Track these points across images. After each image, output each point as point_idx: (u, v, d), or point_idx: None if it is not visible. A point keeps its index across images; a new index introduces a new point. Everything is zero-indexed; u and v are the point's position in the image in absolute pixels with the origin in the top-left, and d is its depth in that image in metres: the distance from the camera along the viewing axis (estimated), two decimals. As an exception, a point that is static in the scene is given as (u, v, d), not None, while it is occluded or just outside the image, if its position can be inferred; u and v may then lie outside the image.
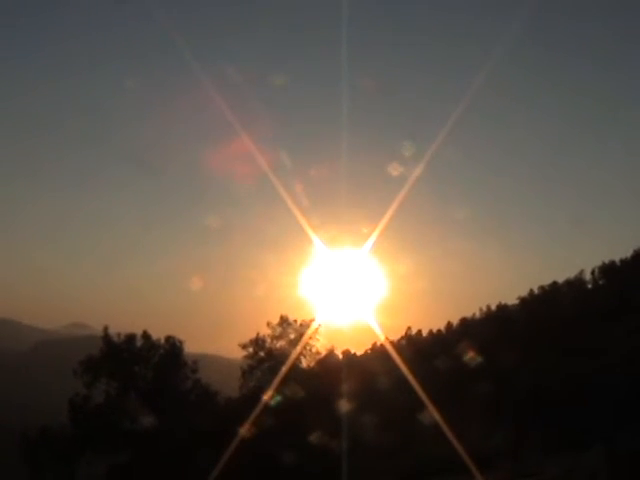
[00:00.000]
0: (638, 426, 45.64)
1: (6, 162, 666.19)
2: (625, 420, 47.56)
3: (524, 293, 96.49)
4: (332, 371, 58.66)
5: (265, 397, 50.68)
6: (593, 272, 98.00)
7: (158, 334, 60.09)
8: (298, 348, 58.26)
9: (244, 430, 47.71)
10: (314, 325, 58.77)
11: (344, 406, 52.06)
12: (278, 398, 51.09)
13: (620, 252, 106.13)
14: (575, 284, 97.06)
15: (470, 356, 59.39)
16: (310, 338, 58.85)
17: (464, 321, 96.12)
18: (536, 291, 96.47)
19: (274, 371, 56.89)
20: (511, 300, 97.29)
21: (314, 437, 49.79)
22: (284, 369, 54.66)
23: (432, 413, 44.73)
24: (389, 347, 57.59)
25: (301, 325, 59.59)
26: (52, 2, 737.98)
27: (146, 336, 59.01)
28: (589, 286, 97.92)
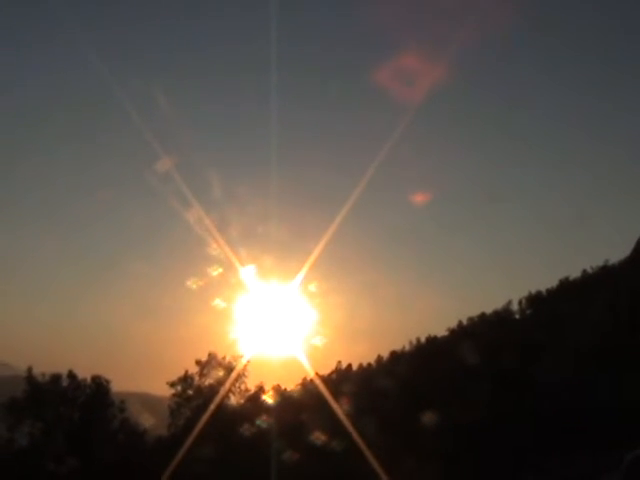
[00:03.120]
0: (565, 457, 46.31)
1: None
2: (553, 450, 48.23)
3: (453, 324, 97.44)
4: (261, 408, 58.42)
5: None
6: (520, 302, 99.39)
7: (84, 373, 59.25)
8: (227, 385, 57.92)
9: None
10: (242, 361, 58.52)
11: (276, 443, 51.88)
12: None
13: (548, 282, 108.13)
14: (502, 315, 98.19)
15: (397, 392, 59.80)
16: (238, 375, 58.55)
17: (394, 354, 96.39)
18: (465, 322, 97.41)
19: (203, 409, 56.41)
20: (441, 332, 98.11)
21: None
22: (212, 407, 54.21)
23: (362, 449, 44.65)
24: (318, 382, 57.48)
25: (229, 362, 59.26)
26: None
27: (72, 376, 58.10)
28: (517, 316, 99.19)
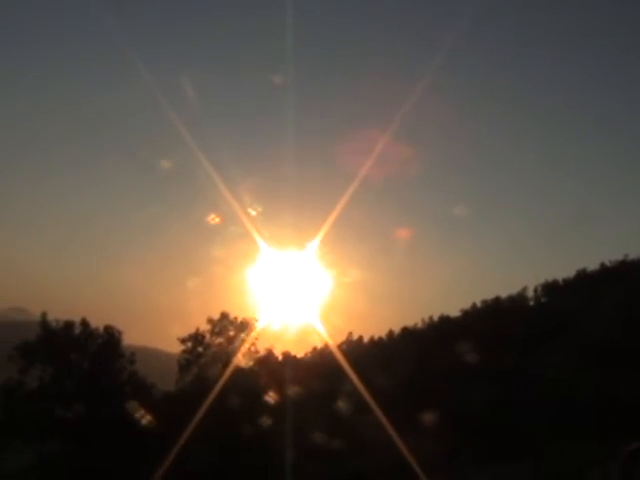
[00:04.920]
0: (567, 442, 46.40)
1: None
2: (555, 436, 48.34)
3: (467, 306, 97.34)
4: (270, 371, 58.65)
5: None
6: (536, 289, 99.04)
7: (97, 323, 59.67)
8: (238, 346, 58.22)
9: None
10: (255, 324, 58.78)
11: (284, 407, 52.19)
12: None
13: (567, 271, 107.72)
14: (517, 300, 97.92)
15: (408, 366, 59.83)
16: (249, 337, 58.79)
17: (405, 330, 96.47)
18: (479, 305, 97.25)
19: (211, 367, 56.86)
20: (454, 312, 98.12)
21: (252, 438, 49.99)
22: (221, 366, 54.64)
23: (371, 419, 44.96)
24: (334, 350, 57.62)
25: (241, 323, 59.52)
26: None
27: (85, 324, 58.45)
28: (531, 303, 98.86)
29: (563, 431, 49.18)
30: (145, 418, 54.41)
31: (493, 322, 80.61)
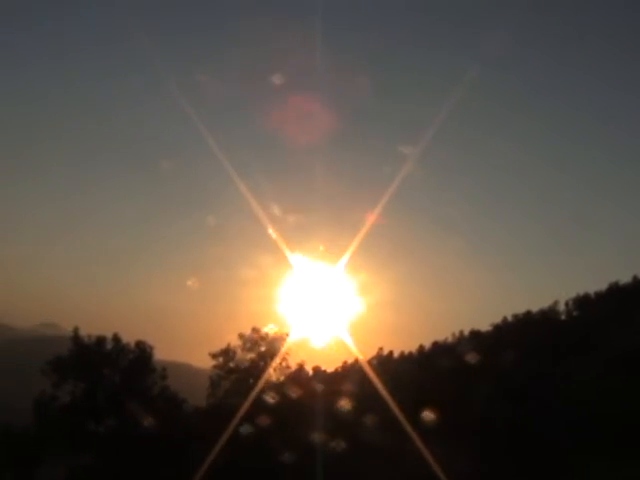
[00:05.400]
0: (597, 457, 46.08)
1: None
2: (587, 451, 48.00)
3: (498, 320, 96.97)
4: (302, 387, 58.56)
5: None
6: (567, 303, 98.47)
7: (128, 338, 59.91)
8: (269, 361, 58.22)
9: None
10: (286, 339, 58.74)
11: (316, 423, 52.15)
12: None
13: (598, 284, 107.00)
14: (549, 314, 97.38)
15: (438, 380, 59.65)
16: (280, 352, 58.73)
17: (436, 345, 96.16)
18: (509, 319, 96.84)
19: (242, 383, 56.88)
20: (484, 326, 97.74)
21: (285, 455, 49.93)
22: (252, 381, 54.70)
23: (401, 434, 44.87)
24: (365, 366, 57.56)
25: (273, 338, 59.51)
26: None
27: (116, 339, 58.74)
28: (562, 317, 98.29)
29: (594, 446, 48.85)
30: (176, 433, 54.68)
31: (524, 336, 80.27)
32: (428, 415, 51.95)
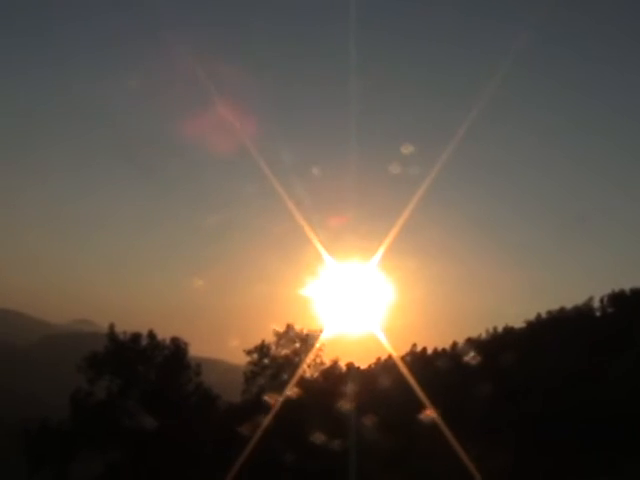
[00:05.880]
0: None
1: (10, 157, 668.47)
2: (625, 452, 47.67)
3: (532, 316, 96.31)
4: (336, 383, 58.62)
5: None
6: (602, 300, 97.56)
7: (163, 335, 60.21)
8: (303, 357, 58.36)
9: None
10: (320, 335, 58.82)
11: (348, 419, 52.21)
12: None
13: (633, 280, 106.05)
14: (583, 311, 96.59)
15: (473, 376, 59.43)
16: (315, 348, 58.82)
17: (469, 341, 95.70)
18: (543, 315, 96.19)
19: (277, 379, 57.08)
20: (518, 323, 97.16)
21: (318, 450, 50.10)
22: (287, 377, 54.87)
23: (435, 429, 44.84)
24: (399, 363, 57.50)
25: (307, 335, 59.65)
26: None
27: (152, 336, 59.00)
28: (597, 314, 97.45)
29: (624, 446, 48.55)
30: (211, 430, 54.97)
31: (558, 333, 79.80)
32: (460, 412, 51.95)
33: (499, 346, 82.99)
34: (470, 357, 72.84)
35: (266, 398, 53.25)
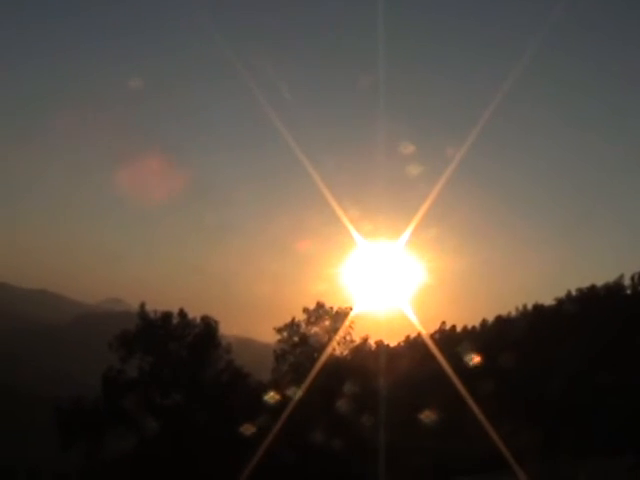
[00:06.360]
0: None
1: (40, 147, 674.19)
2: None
3: (562, 294, 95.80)
4: (366, 360, 58.78)
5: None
6: (633, 277, 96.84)
7: (193, 314, 60.53)
8: (333, 335, 58.46)
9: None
10: (350, 313, 58.85)
11: (378, 397, 52.39)
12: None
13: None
14: (613, 288, 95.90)
15: (503, 355, 59.31)
16: (346, 326, 58.88)
17: (499, 319, 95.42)
18: (573, 293, 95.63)
19: (307, 356, 57.29)
20: (548, 300, 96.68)
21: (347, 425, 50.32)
22: (317, 355, 55.08)
23: (464, 409, 44.85)
24: (427, 340, 57.50)
25: (337, 313, 59.72)
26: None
27: (182, 314, 59.37)
28: (628, 292, 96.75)
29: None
30: (240, 407, 55.33)
31: (588, 311, 79.42)
32: (490, 390, 51.91)
33: (528, 324, 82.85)
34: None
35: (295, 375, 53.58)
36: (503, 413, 48.66)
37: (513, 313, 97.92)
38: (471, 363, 57.18)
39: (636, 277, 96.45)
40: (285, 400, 48.77)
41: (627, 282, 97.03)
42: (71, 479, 58.12)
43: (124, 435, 55.41)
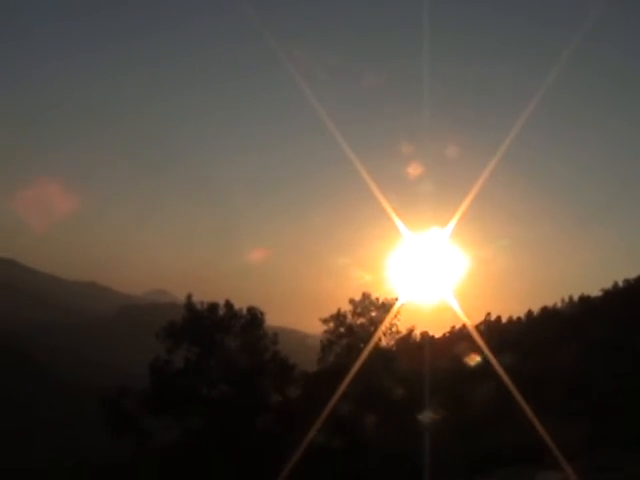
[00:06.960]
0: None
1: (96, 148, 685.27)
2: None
3: (608, 285, 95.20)
4: (412, 351, 58.72)
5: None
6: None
7: (239, 305, 60.76)
8: (379, 326, 58.42)
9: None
10: (395, 304, 58.78)
11: (425, 387, 52.35)
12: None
13: None
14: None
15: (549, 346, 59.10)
16: (392, 317, 58.82)
17: (545, 310, 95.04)
18: (620, 284, 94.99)
19: (353, 347, 57.34)
20: (594, 292, 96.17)
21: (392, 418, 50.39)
22: (363, 346, 55.08)
23: (511, 400, 44.69)
24: (473, 332, 57.30)
25: (383, 303, 59.70)
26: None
27: (229, 305, 59.59)
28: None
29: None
30: (287, 398, 55.56)
31: (635, 302, 78.81)
32: (536, 381, 51.70)
33: (576, 315, 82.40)
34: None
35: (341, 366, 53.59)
36: (550, 405, 48.51)
37: (559, 304, 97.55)
38: (515, 354, 57.00)
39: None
40: (331, 391, 48.71)
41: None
42: (124, 468, 58.56)
43: (171, 425, 55.84)
